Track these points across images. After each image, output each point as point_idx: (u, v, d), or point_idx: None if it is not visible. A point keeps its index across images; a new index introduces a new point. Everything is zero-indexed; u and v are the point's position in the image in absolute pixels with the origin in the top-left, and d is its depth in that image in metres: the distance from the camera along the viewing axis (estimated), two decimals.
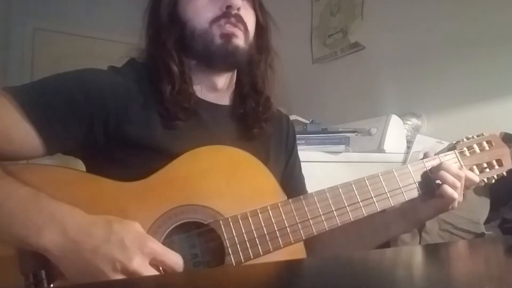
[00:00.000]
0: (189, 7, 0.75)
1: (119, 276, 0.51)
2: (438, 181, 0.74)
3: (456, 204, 0.74)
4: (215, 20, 0.74)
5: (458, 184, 0.73)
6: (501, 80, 1.50)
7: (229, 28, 0.74)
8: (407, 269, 0.53)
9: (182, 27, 0.75)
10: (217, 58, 0.75)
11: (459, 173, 0.73)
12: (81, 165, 0.74)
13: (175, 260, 0.57)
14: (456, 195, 0.72)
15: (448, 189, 0.72)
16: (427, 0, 1.80)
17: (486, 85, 1.54)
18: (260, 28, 0.82)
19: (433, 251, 0.69)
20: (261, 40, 0.82)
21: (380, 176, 0.72)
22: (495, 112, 1.50)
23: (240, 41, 0.75)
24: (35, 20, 3.27)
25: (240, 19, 0.75)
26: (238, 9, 0.74)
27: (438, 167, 0.74)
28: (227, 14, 0.73)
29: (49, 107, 0.64)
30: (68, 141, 0.67)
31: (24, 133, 0.62)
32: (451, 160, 0.77)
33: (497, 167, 0.79)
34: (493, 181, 0.80)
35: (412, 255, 0.67)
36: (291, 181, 0.88)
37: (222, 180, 0.67)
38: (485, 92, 1.54)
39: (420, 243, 1.10)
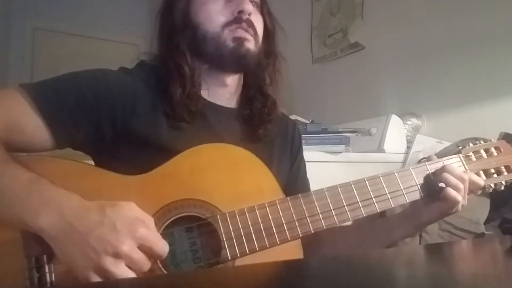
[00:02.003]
0: (201, 10, 0.77)
1: (109, 259, 0.52)
2: (441, 184, 0.73)
3: (460, 207, 0.73)
4: (227, 24, 0.76)
5: (461, 186, 0.72)
6: (501, 80, 1.49)
7: (240, 32, 0.76)
8: (407, 269, 0.53)
9: (194, 30, 0.77)
10: (228, 60, 0.77)
11: (463, 176, 0.72)
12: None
13: (162, 247, 0.57)
14: (460, 197, 0.71)
15: (451, 191, 0.71)
16: (427, 0, 1.80)
17: (486, 85, 1.54)
18: (268, 33, 0.84)
19: (433, 251, 0.69)
20: (268, 44, 0.84)
21: (381, 178, 0.71)
22: (495, 112, 1.50)
23: (251, 44, 0.77)
24: (35, 20, 3.28)
25: (250, 24, 0.77)
26: (249, 14, 0.76)
27: (441, 170, 0.74)
28: (239, 19, 0.76)
29: (59, 103, 0.68)
30: (76, 136, 0.70)
31: (34, 126, 0.66)
32: (455, 164, 0.76)
33: (505, 173, 0.77)
34: (502, 187, 0.78)
35: (412, 255, 0.67)
36: (295, 186, 0.88)
37: (222, 176, 0.67)
38: (485, 92, 1.54)
39: (420, 243, 1.10)
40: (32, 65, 3.25)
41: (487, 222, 1.18)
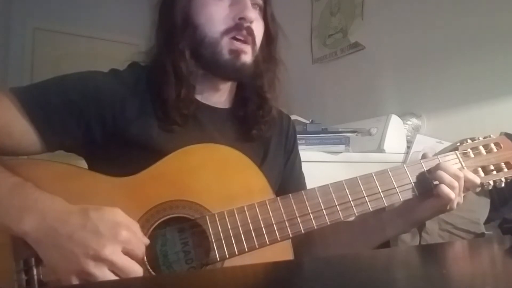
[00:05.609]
0: (202, 12, 0.75)
1: (91, 262, 0.53)
2: (435, 182, 0.72)
3: (454, 205, 0.72)
4: (227, 31, 0.74)
5: (455, 184, 0.71)
6: (501, 80, 1.49)
7: (238, 45, 0.74)
8: (407, 269, 0.53)
9: (193, 30, 0.75)
10: (223, 70, 0.76)
11: (457, 173, 0.71)
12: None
13: (143, 251, 0.58)
14: (453, 195, 0.70)
15: (445, 188, 0.70)
16: (427, 1, 1.80)
17: (486, 85, 1.54)
18: (269, 38, 0.82)
19: (433, 251, 0.69)
20: (268, 50, 0.82)
21: (374, 176, 0.71)
22: (495, 112, 1.50)
23: (248, 57, 0.75)
24: (35, 20, 3.27)
25: (250, 32, 0.75)
26: (251, 22, 0.74)
27: (436, 167, 0.73)
28: (239, 26, 0.73)
29: (47, 106, 0.67)
30: (65, 139, 0.70)
31: (22, 129, 0.66)
32: (451, 161, 0.75)
33: (506, 169, 0.75)
34: (502, 184, 0.76)
35: (412, 255, 0.67)
36: (290, 181, 0.88)
37: (212, 177, 0.67)
38: (485, 92, 1.54)
39: (420, 243, 1.10)
40: (32, 65, 3.25)
41: (487, 222, 1.18)
